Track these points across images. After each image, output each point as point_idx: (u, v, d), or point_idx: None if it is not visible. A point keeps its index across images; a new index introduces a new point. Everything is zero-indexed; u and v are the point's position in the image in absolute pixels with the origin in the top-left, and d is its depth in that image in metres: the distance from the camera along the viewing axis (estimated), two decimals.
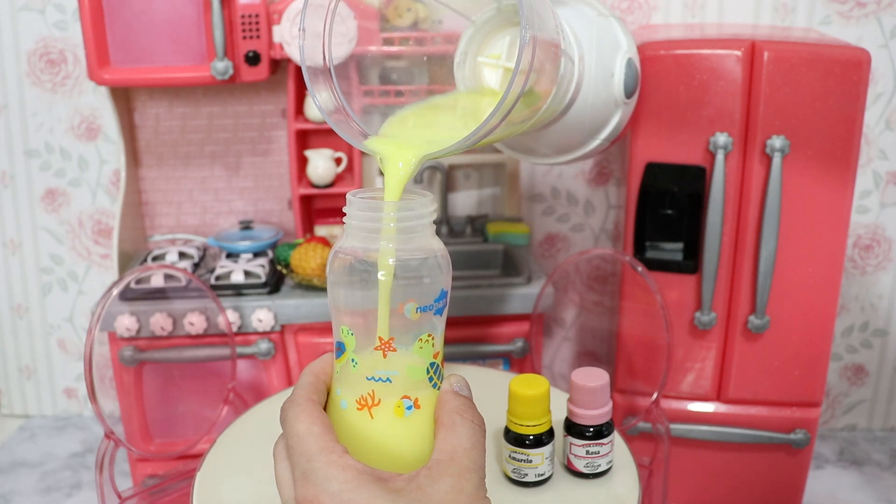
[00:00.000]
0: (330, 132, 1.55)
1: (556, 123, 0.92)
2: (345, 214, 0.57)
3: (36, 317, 1.88)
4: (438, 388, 0.58)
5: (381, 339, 0.55)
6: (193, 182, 1.65)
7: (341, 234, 0.58)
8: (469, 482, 0.51)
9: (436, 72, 0.81)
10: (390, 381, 0.55)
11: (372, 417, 0.56)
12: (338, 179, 1.56)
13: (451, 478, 0.51)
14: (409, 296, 0.55)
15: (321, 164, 1.51)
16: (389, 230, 0.55)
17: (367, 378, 0.56)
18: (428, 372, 0.57)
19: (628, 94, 1.01)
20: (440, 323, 0.58)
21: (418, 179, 1.63)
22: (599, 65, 0.95)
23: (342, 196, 1.51)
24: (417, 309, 0.55)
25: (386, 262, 0.55)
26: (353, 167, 1.56)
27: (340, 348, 0.57)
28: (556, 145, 1.03)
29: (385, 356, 0.56)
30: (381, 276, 0.55)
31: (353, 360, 0.56)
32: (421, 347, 0.56)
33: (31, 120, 1.73)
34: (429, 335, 0.56)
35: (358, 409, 0.56)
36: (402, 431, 0.56)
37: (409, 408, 0.56)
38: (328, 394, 0.58)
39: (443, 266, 0.57)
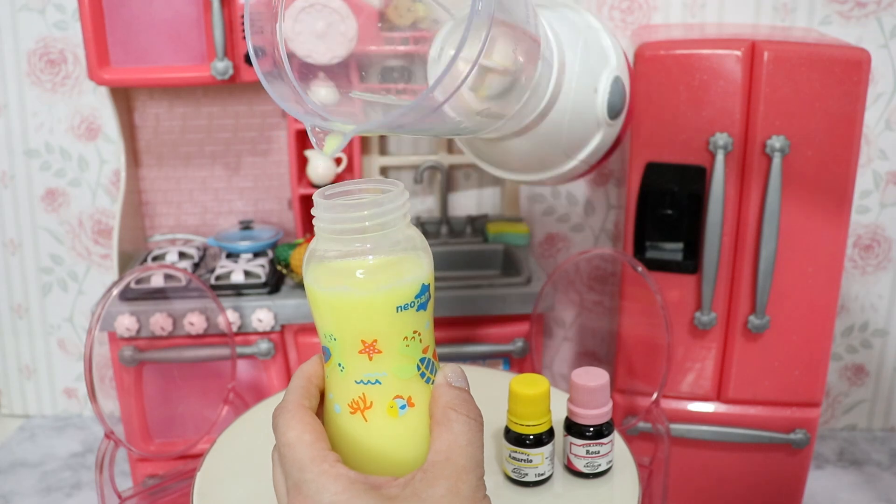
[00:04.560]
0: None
1: (528, 132, 0.86)
2: (313, 217, 0.53)
3: (36, 317, 1.88)
4: (433, 383, 0.56)
5: (363, 341, 0.53)
6: (193, 182, 1.65)
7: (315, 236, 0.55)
8: (466, 483, 0.50)
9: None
10: (380, 383, 0.54)
11: (366, 420, 0.54)
12: (338, 179, 1.56)
13: (448, 480, 0.49)
14: (389, 295, 0.52)
15: (321, 164, 1.51)
16: (362, 229, 0.52)
17: (355, 382, 0.54)
18: (419, 368, 0.55)
19: (612, 115, 0.92)
20: (425, 318, 0.55)
21: (418, 180, 1.63)
22: (583, 77, 0.88)
23: None
24: (398, 308, 0.53)
25: (362, 263, 0.53)
26: (353, 167, 1.56)
27: (326, 353, 0.55)
28: (529, 160, 0.95)
29: (371, 359, 0.53)
30: (359, 274, 0.52)
31: (339, 365, 0.54)
32: (407, 346, 0.54)
33: (31, 120, 1.73)
34: (414, 332, 0.54)
35: (351, 412, 0.54)
36: (399, 432, 0.54)
37: (402, 407, 0.54)
38: (322, 396, 0.57)
39: (423, 260, 0.54)
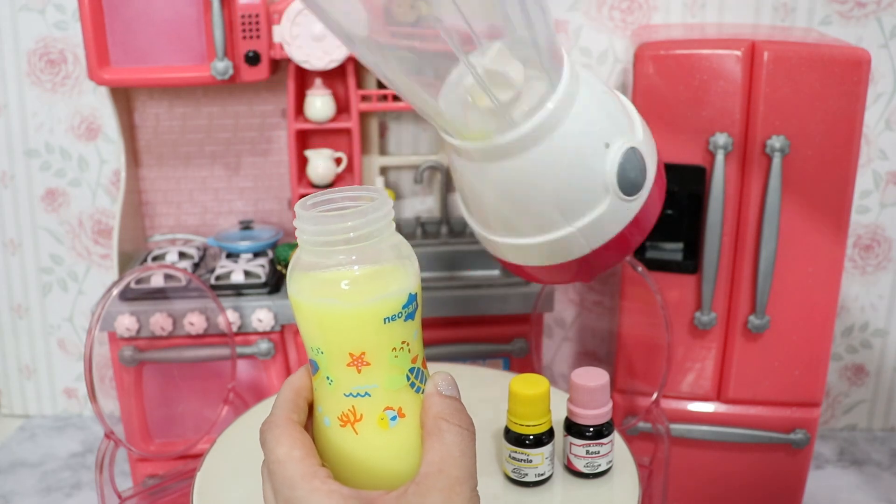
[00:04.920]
0: (330, 132, 1.55)
1: (518, 155, 0.75)
2: (296, 228, 0.52)
3: (36, 317, 1.88)
4: (423, 392, 0.55)
5: (351, 354, 0.52)
6: (193, 182, 1.65)
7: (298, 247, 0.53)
8: (460, 495, 0.49)
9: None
10: (369, 395, 0.53)
11: (356, 433, 0.53)
12: (338, 179, 1.56)
13: (441, 492, 0.48)
14: (376, 307, 0.51)
15: (321, 164, 1.51)
16: (346, 240, 0.51)
17: (344, 394, 0.53)
18: (408, 378, 0.54)
19: (623, 188, 0.79)
20: (413, 327, 0.54)
21: (418, 180, 1.63)
22: (592, 123, 0.77)
23: None
24: (385, 320, 0.52)
25: (348, 274, 0.51)
26: (353, 167, 1.56)
27: (314, 365, 0.54)
28: (514, 206, 0.81)
29: (359, 371, 0.52)
30: (344, 285, 0.51)
31: (328, 378, 0.53)
32: (396, 356, 0.53)
33: (31, 120, 1.73)
34: (403, 342, 0.53)
35: (341, 426, 0.53)
36: (390, 443, 0.53)
37: (393, 418, 0.53)
38: (312, 409, 0.56)
39: (409, 269, 0.53)
